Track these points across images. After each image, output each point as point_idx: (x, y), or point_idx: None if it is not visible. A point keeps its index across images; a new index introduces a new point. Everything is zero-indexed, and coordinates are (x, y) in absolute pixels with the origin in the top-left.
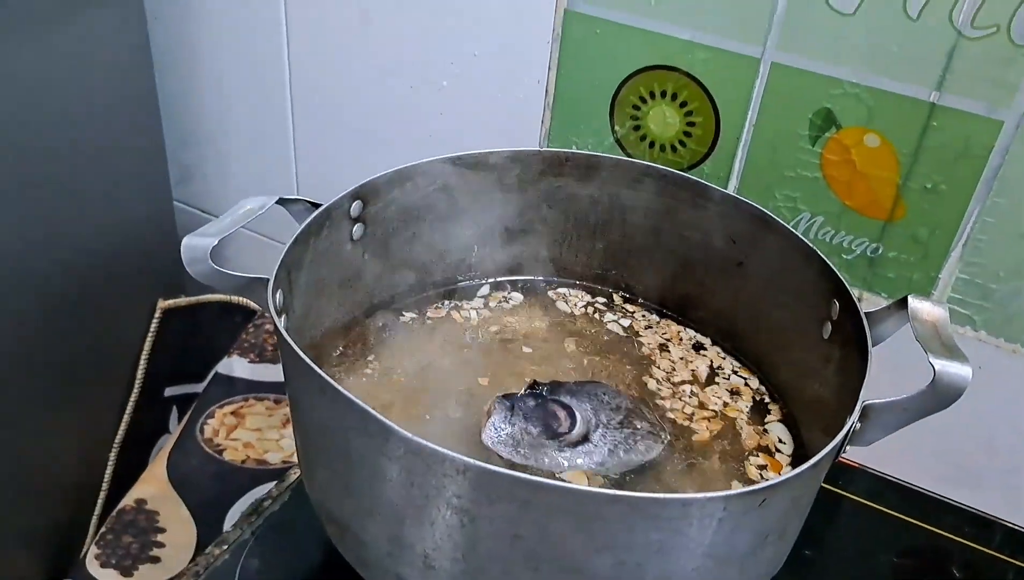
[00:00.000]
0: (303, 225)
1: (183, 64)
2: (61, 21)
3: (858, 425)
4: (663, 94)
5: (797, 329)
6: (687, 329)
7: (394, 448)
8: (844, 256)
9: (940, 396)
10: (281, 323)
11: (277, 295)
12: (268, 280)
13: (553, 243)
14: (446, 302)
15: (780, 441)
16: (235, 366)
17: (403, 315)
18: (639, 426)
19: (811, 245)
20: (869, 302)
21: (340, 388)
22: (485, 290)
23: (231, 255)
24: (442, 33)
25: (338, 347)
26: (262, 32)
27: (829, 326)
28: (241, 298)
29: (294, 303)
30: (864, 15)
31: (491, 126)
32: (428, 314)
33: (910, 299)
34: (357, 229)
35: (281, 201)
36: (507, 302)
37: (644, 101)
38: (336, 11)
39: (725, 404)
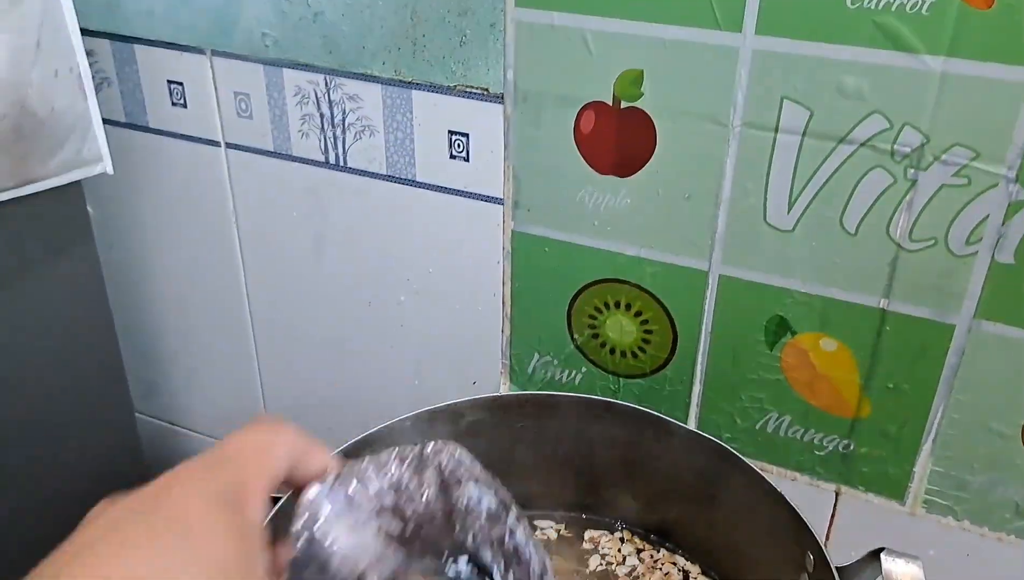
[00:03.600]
0: None
1: (140, 290)
2: (17, 274)
3: None
4: (617, 305)
5: (778, 571)
6: (674, 555)
7: None
8: (816, 452)
9: None
10: None
11: None
12: None
13: (526, 479)
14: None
15: None
16: None
17: None
18: None
19: (778, 490)
20: (849, 497)
21: None
22: None
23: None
24: (396, 253)
25: None
26: (216, 257)
27: (807, 578)
28: None
29: None
30: (803, 231)
31: (452, 336)
32: None
33: (883, 557)
34: None
35: None
36: None
37: (600, 311)
38: (289, 235)
39: None
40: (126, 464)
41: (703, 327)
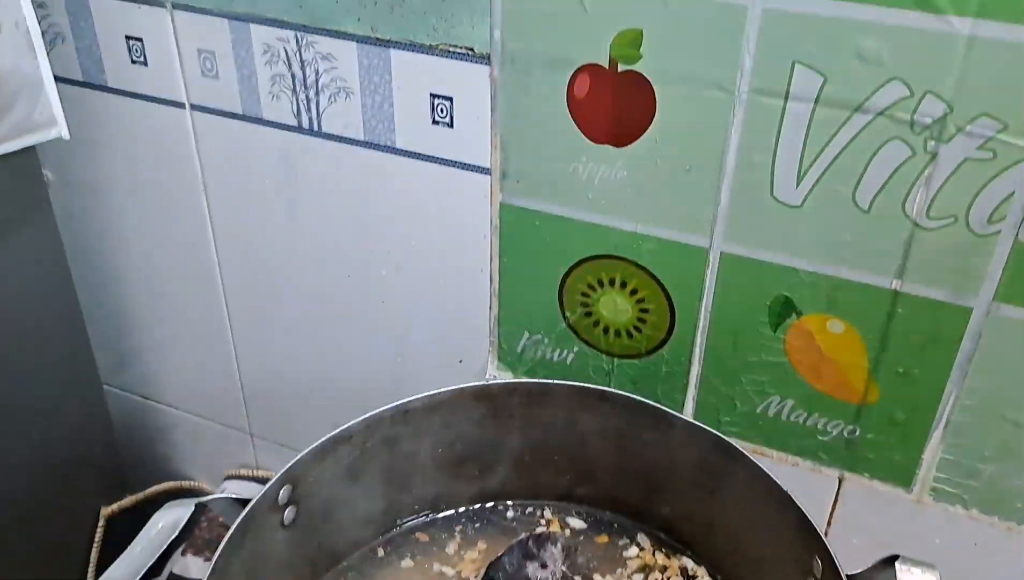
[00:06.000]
0: (223, 543)
1: (105, 260)
2: None
3: None
4: (611, 282)
5: (783, 573)
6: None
7: None
8: (820, 438)
9: None
10: None
11: None
12: None
13: (513, 469)
14: (396, 557)
15: None
16: (190, 566)
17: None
18: None
19: (785, 490)
20: (853, 484)
21: None
22: (444, 534)
23: (179, 439)
24: (376, 224)
25: None
26: (185, 226)
27: None
28: (192, 482)
29: None
30: (812, 207)
31: (436, 313)
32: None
33: (898, 567)
34: (288, 513)
35: (200, 506)
36: (463, 544)
37: (593, 289)
38: (262, 205)
39: None
40: (97, 440)
41: (703, 307)
